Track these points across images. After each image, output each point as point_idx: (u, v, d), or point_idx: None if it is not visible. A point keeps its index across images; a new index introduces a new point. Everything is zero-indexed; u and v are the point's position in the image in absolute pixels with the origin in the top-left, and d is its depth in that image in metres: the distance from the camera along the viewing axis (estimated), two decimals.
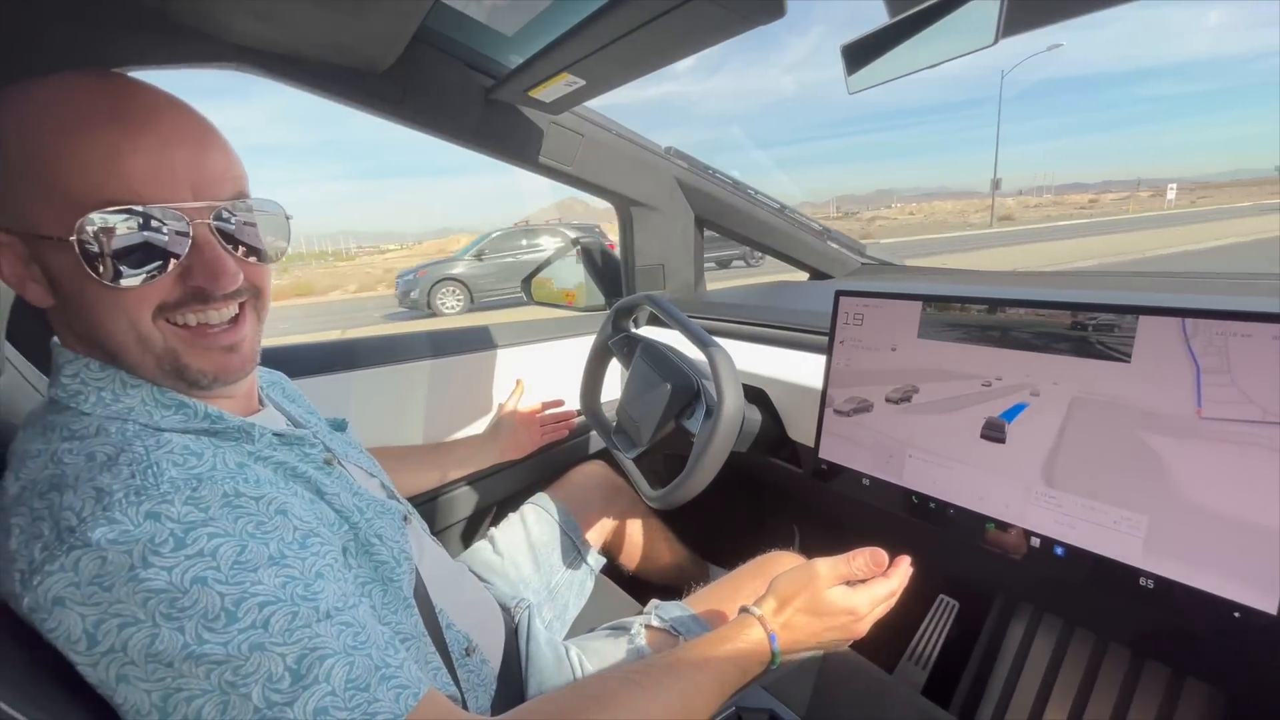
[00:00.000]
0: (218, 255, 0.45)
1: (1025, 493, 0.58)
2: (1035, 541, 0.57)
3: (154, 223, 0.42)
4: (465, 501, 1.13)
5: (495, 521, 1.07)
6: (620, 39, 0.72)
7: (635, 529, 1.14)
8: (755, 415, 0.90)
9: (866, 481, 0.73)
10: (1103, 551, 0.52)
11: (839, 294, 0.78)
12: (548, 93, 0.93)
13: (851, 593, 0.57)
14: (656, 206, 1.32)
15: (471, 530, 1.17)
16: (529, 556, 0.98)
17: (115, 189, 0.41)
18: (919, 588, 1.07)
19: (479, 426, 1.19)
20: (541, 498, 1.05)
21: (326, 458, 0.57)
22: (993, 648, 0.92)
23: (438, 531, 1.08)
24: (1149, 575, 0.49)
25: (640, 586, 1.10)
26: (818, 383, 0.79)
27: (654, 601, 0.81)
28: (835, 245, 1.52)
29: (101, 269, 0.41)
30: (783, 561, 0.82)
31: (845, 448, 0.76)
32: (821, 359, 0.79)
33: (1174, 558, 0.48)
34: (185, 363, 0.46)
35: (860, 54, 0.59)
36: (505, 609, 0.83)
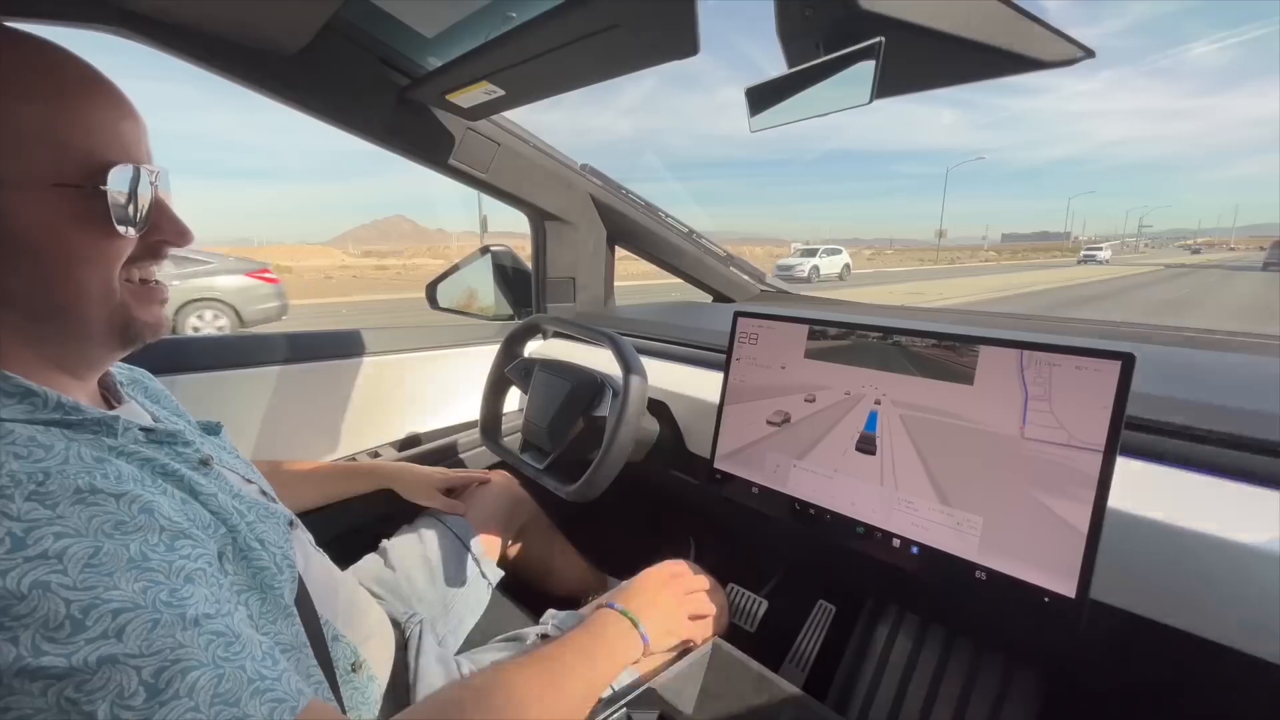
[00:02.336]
0: (175, 214, 0.50)
1: (888, 499, 0.65)
2: (896, 543, 0.64)
3: (144, 181, 0.46)
4: (357, 512, 1.08)
5: (389, 534, 1.02)
6: (541, 56, 0.74)
7: (536, 541, 1.13)
8: (652, 425, 0.94)
9: (756, 490, 0.78)
10: (948, 549, 0.60)
11: (738, 314, 0.84)
12: (466, 99, 0.93)
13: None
14: (570, 221, 1.34)
15: (363, 543, 1.11)
16: (424, 570, 0.94)
17: (117, 150, 0.45)
18: (801, 594, 1.16)
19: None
20: (436, 511, 1.02)
21: (203, 457, 0.53)
22: (862, 646, 1.01)
23: (326, 543, 1.01)
24: (983, 569, 0.57)
25: (539, 599, 1.09)
26: (716, 397, 0.84)
27: (550, 612, 0.81)
28: (737, 271, 1.61)
29: (115, 219, 0.44)
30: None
31: (738, 458, 0.81)
32: (720, 375, 0.84)
33: (1002, 553, 0.56)
34: (134, 315, 0.48)
35: (761, 97, 0.65)
36: (397, 624, 0.80)
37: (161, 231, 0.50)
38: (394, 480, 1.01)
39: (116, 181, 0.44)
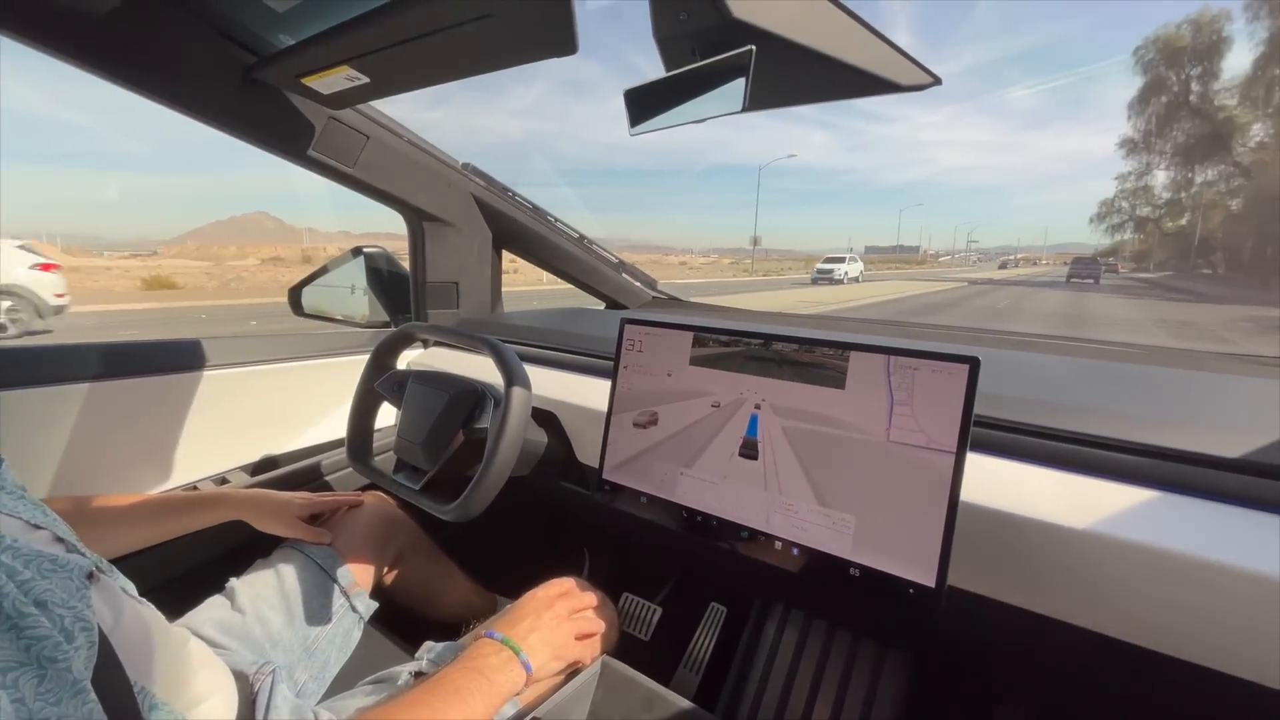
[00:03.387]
0: None
1: (770, 502, 0.66)
2: (778, 545, 0.65)
3: None
4: (198, 550, 0.93)
5: (238, 571, 0.89)
6: (407, 42, 0.68)
7: (416, 566, 1.04)
8: (539, 437, 0.90)
9: (645, 499, 0.77)
10: (825, 549, 0.62)
11: (624, 321, 0.82)
12: (324, 84, 0.84)
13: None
14: (451, 222, 1.27)
15: (205, 585, 0.96)
16: (280, 610, 0.83)
17: None
18: (693, 598, 1.17)
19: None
20: (298, 541, 0.91)
21: None
22: (752, 644, 1.03)
23: (155, 589, 0.86)
24: (856, 565, 0.60)
25: (419, 628, 1.01)
26: (605, 406, 0.83)
27: (427, 644, 0.74)
28: (629, 278, 1.61)
29: None
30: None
31: (627, 468, 0.79)
32: (609, 383, 0.83)
33: (872, 550, 0.59)
34: None
35: (640, 101, 0.64)
36: (244, 677, 0.70)
37: None
38: (244, 510, 0.88)
39: None
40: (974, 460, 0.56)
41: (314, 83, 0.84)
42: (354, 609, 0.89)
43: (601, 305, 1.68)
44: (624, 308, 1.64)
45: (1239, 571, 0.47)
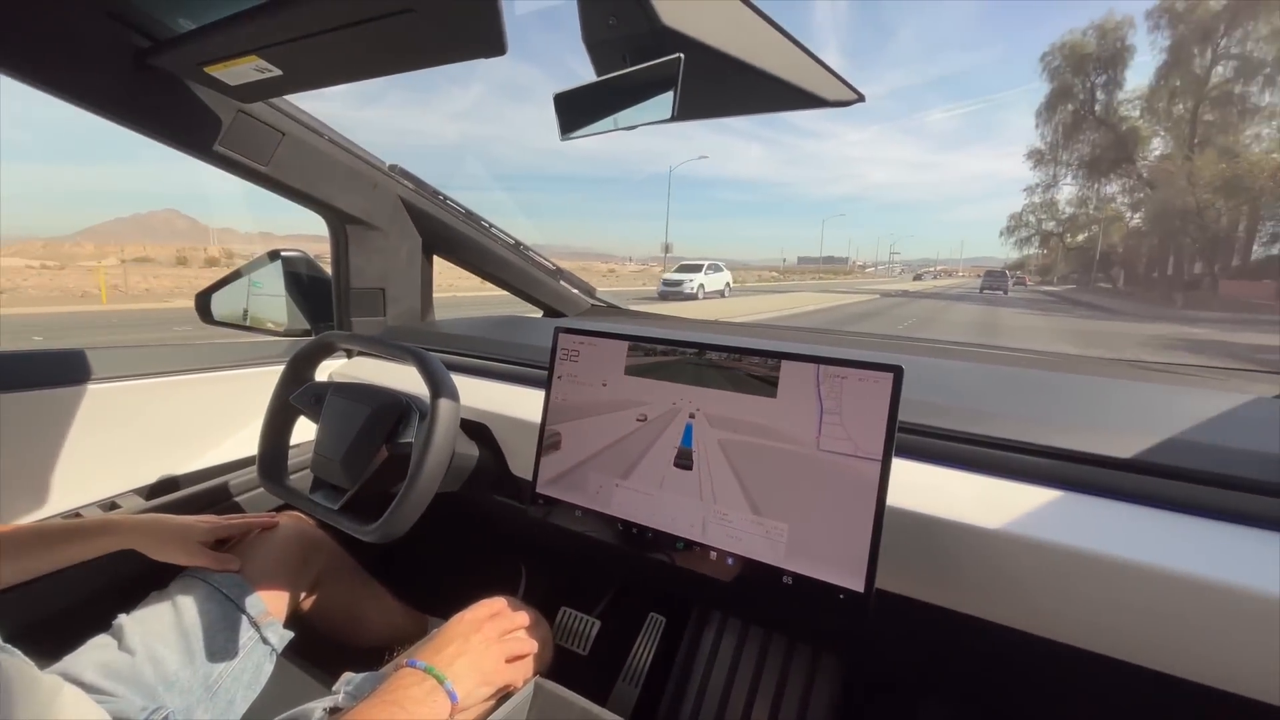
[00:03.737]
0: None
1: (705, 512, 0.66)
2: (713, 555, 0.65)
3: None
4: (80, 586, 0.84)
5: (128, 606, 0.81)
6: (322, 34, 0.64)
7: (338, 590, 0.98)
8: (471, 450, 0.86)
9: (580, 513, 0.75)
10: (759, 558, 0.62)
11: (558, 330, 0.80)
12: (231, 75, 0.78)
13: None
14: (377, 226, 1.21)
15: (88, 624, 0.86)
16: (177, 647, 0.76)
17: None
18: (632, 609, 1.15)
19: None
20: (201, 570, 0.83)
21: None
22: (691, 653, 1.03)
23: (25, 632, 0.76)
24: (789, 573, 0.60)
25: (341, 658, 0.94)
26: (539, 417, 0.80)
27: (345, 676, 0.69)
28: (567, 285, 1.59)
29: None
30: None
31: (561, 481, 0.77)
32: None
33: (805, 557, 0.59)
34: None
35: (570, 105, 0.63)
36: None
37: None
38: (136, 538, 0.80)
39: None
40: (898, 465, 0.58)
41: (219, 72, 0.77)
42: (265, 641, 0.83)
43: (539, 313, 1.65)
44: (562, 316, 1.61)
45: (1133, 566, 0.50)
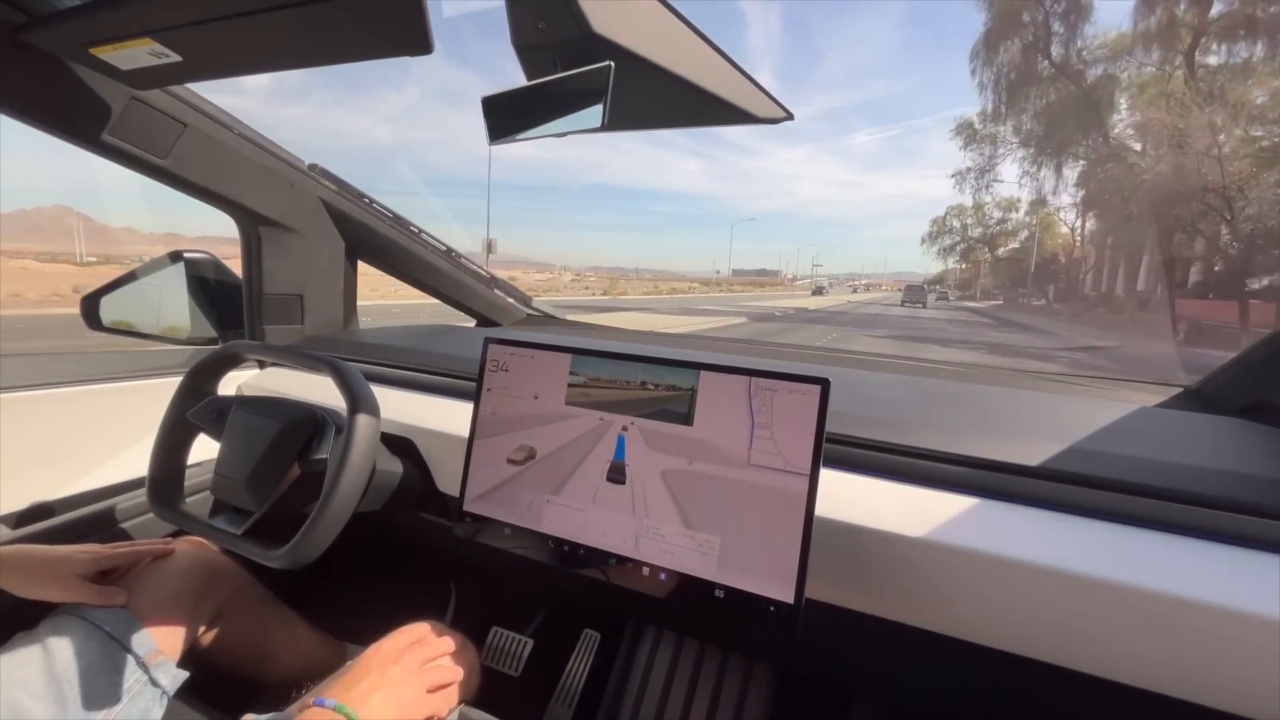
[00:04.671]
0: None
1: (638, 527, 0.65)
2: (646, 570, 0.64)
3: None
4: None
5: None
6: (228, 20, 0.59)
7: (244, 621, 0.90)
8: (394, 467, 0.82)
9: (509, 530, 0.72)
10: (691, 572, 0.61)
11: (488, 341, 0.78)
12: (122, 58, 0.71)
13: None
14: (294, 228, 1.13)
15: None
16: (45, 696, 0.67)
17: None
18: (566, 627, 1.13)
19: None
20: (79, 606, 0.74)
21: None
22: (626, 668, 1.01)
23: None
24: (721, 587, 0.60)
25: (247, 696, 0.87)
26: (468, 431, 0.77)
27: (247, 717, 0.63)
28: (501, 294, 1.55)
29: None
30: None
31: (490, 498, 0.74)
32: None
33: (736, 570, 0.59)
34: None
35: (498, 109, 0.61)
36: None
37: None
38: (2, 570, 0.70)
39: None
40: (825, 476, 0.59)
41: (107, 55, 0.70)
42: (154, 683, 0.74)
43: (472, 322, 1.60)
44: (496, 325, 1.57)
45: (1044, 569, 0.53)
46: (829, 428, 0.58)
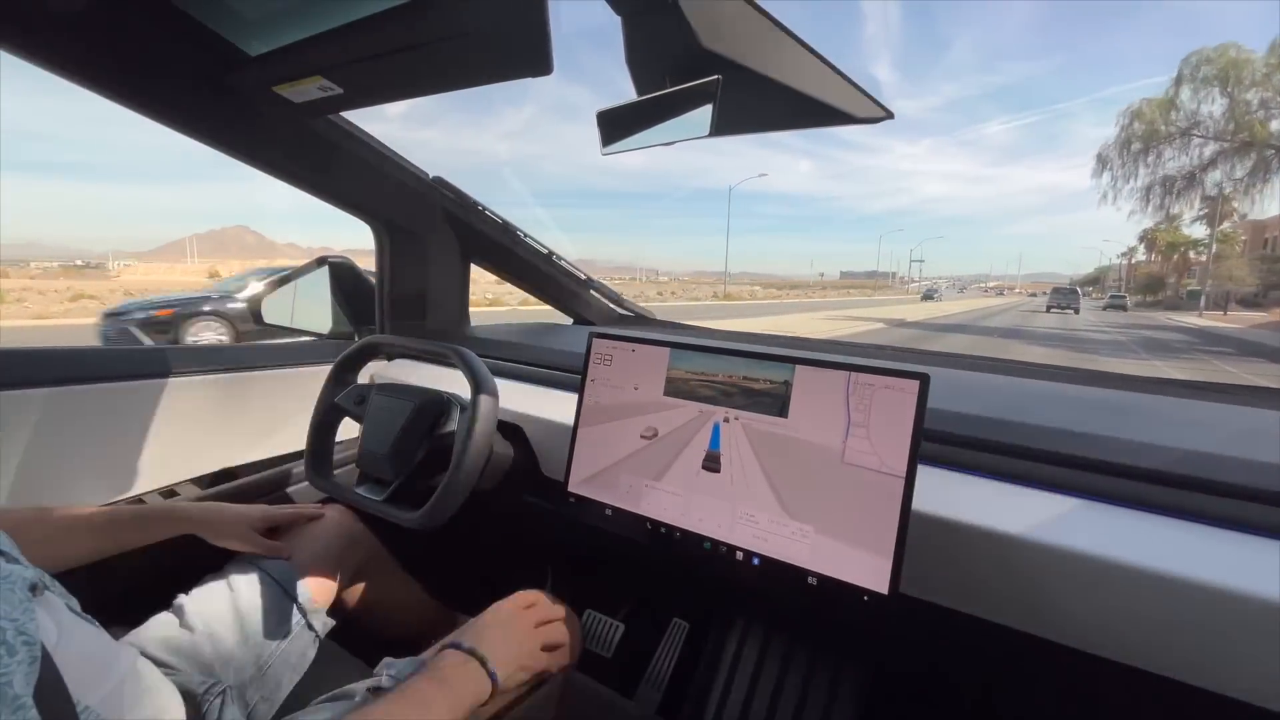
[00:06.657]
0: None
1: (732, 513, 0.68)
2: (739, 555, 0.67)
3: None
4: (145, 565, 0.89)
5: (186, 587, 0.86)
6: (383, 56, 0.69)
7: (375, 582, 1.02)
8: (506, 450, 0.90)
9: (610, 512, 0.77)
10: (785, 558, 0.63)
11: (593, 335, 0.84)
12: (296, 93, 0.84)
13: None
14: (420, 234, 1.26)
15: (153, 601, 0.92)
16: (234, 628, 0.80)
17: None
18: (656, 615, 1.17)
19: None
20: (253, 556, 0.88)
21: None
22: (714, 661, 1.04)
23: (100, 606, 0.82)
24: (814, 574, 0.62)
25: (378, 646, 0.98)
26: (572, 420, 0.83)
27: (386, 660, 0.73)
28: (597, 295, 1.63)
29: None
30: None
31: (593, 481, 0.80)
32: (576, 397, 0.84)
33: (829, 559, 0.61)
34: None
35: (612, 122, 0.67)
36: (192, 698, 0.67)
37: None
38: (196, 524, 0.85)
39: None
40: (924, 472, 0.59)
41: (286, 91, 0.84)
42: (310, 626, 0.87)
43: (569, 321, 1.69)
44: (591, 323, 1.65)
45: (1156, 574, 0.51)
46: (927, 424, 0.58)
